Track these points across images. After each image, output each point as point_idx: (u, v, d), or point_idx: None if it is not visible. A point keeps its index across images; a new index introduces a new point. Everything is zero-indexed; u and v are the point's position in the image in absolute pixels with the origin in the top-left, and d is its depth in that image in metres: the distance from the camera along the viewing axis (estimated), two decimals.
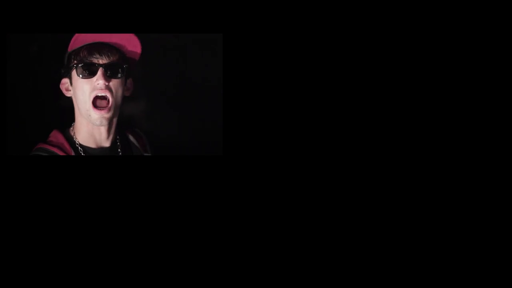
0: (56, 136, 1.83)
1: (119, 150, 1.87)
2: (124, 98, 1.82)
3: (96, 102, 1.77)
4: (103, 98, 1.76)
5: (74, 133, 1.84)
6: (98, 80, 1.75)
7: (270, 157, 1.93)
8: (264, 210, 1.92)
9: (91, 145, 1.82)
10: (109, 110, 1.77)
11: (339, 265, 1.91)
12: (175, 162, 1.93)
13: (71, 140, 1.82)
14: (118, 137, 1.87)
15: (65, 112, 1.89)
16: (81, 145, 1.82)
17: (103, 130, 1.81)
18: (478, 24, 1.90)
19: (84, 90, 1.76)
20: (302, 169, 1.93)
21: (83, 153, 1.81)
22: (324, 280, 1.91)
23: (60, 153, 1.78)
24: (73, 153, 1.80)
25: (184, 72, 2.25)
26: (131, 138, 1.92)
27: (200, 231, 1.93)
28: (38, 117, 2.10)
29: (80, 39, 1.76)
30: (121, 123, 1.88)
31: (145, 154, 1.92)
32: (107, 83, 1.75)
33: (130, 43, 1.80)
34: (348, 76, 1.92)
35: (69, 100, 1.84)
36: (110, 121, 1.80)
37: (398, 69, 1.91)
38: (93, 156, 1.85)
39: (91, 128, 1.81)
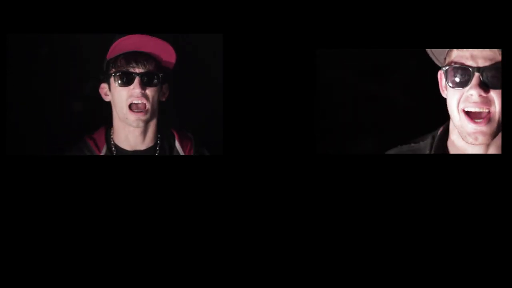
0: (100, 132, 1.92)
1: (157, 150, 1.93)
2: (160, 102, 1.90)
3: (132, 106, 1.84)
4: (140, 104, 1.84)
5: (113, 133, 1.92)
6: (135, 89, 1.83)
7: (270, 157, 1.93)
8: (264, 210, 1.92)
9: (126, 147, 1.90)
10: (146, 113, 1.84)
11: (338, 265, 1.91)
12: (175, 162, 1.93)
13: (108, 139, 1.91)
14: (158, 142, 1.93)
15: (79, 115, 2.01)
16: (115, 145, 1.90)
17: (138, 133, 1.88)
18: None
19: (121, 97, 1.85)
20: (302, 168, 1.93)
21: (116, 153, 1.89)
22: (323, 280, 1.91)
23: (93, 146, 1.88)
24: (104, 150, 1.88)
25: (184, 72, 2.25)
26: (177, 143, 1.96)
27: (200, 231, 1.94)
28: (39, 117, 2.11)
29: (118, 48, 1.84)
30: (166, 122, 1.95)
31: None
32: (143, 91, 1.83)
33: (166, 52, 1.88)
34: (347, 75, 1.92)
35: (81, 105, 1.99)
36: (146, 124, 1.87)
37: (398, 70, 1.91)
38: (93, 156, 1.88)
39: (127, 131, 1.89)
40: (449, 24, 1.89)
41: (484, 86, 1.60)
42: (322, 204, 1.92)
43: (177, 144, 1.95)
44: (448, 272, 1.90)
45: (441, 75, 1.72)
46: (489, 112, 1.61)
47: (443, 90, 1.72)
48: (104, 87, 1.91)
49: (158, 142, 1.92)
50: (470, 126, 1.62)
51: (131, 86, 1.83)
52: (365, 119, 2.10)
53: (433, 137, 1.78)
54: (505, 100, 1.88)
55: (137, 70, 1.83)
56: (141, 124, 1.85)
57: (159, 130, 1.93)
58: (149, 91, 1.85)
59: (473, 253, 1.91)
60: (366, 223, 1.92)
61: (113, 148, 1.90)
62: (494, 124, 1.62)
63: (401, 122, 2.09)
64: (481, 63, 1.61)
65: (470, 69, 1.61)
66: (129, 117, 1.85)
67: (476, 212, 1.90)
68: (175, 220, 1.92)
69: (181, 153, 1.95)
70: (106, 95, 1.91)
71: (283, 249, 1.92)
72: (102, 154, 1.88)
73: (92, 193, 1.91)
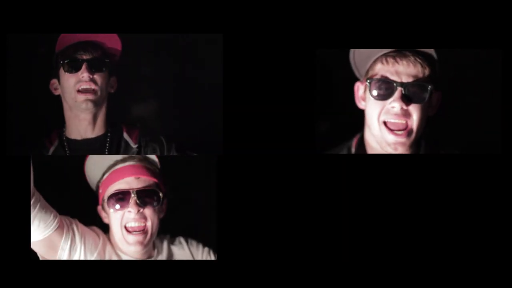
0: (54, 132, 1.95)
1: (108, 140, 1.94)
2: (108, 94, 1.93)
3: (81, 90, 1.87)
4: (88, 88, 1.87)
5: (65, 130, 1.95)
6: (83, 73, 1.87)
7: (270, 157, 1.93)
8: (264, 209, 1.92)
9: (76, 137, 1.93)
10: (94, 94, 1.87)
11: (339, 265, 1.92)
12: (175, 162, 1.93)
13: (61, 134, 1.94)
14: (109, 134, 1.94)
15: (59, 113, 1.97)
16: (67, 138, 1.93)
17: (88, 122, 1.91)
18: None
19: (70, 83, 1.88)
20: (302, 168, 1.93)
21: (67, 146, 1.92)
22: (323, 280, 1.91)
23: (47, 143, 1.92)
24: (56, 144, 1.92)
25: (184, 72, 2.25)
26: (125, 133, 1.97)
27: (200, 231, 1.93)
28: (39, 117, 2.10)
29: (65, 40, 1.89)
30: (116, 118, 1.97)
31: (134, 146, 1.94)
32: (91, 76, 1.87)
33: (111, 40, 1.92)
34: (347, 75, 1.92)
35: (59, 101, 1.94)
36: (95, 107, 1.89)
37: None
38: (94, 156, 1.90)
39: (77, 121, 1.91)
40: (449, 24, 1.90)
41: (406, 99, 1.68)
42: (322, 203, 1.92)
43: (124, 135, 1.97)
44: (450, 271, 1.91)
45: (358, 86, 1.82)
46: (407, 125, 1.69)
47: (359, 101, 1.81)
48: (54, 82, 1.94)
49: (108, 131, 1.94)
50: (390, 137, 1.71)
51: (79, 72, 1.87)
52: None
53: (349, 148, 1.86)
54: (505, 100, 1.89)
55: (84, 57, 1.88)
56: (90, 105, 1.87)
57: (108, 121, 1.95)
58: (97, 77, 1.88)
59: (472, 250, 1.91)
60: (366, 222, 1.92)
61: (65, 142, 1.93)
62: (413, 136, 1.71)
63: None
64: (405, 79, 1.69)
65: (394, 83, 1.69)
66: (78, 99, 1.87)
67: (477, 212, 1.91)
68: (174, 219, 1.92)
69: (129, 140, 1.96)
70: (55, 89, 1.95)
71: (284, 249, 1.92)
72: (53, 147, 1.92)
73: (90, 192, 1.91)
